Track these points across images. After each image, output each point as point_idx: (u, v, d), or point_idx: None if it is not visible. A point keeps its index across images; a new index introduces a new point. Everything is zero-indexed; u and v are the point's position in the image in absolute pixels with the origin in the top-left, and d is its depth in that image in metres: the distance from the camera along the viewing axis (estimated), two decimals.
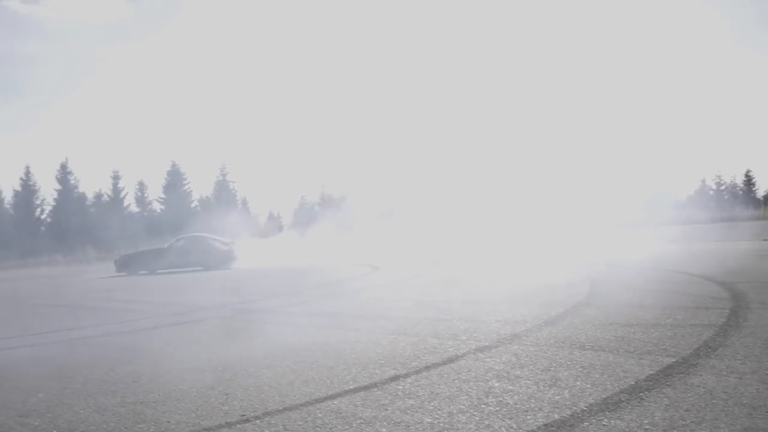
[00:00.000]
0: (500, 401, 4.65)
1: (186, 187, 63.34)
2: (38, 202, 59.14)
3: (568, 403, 4.54)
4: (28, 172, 58.75)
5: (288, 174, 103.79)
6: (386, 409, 4.63)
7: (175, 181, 62.86)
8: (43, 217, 59.14)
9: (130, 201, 62.41)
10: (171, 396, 5.44)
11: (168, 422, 4.74)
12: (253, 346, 7.44)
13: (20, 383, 6.40)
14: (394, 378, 5.48)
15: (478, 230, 31.37)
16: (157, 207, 62.74)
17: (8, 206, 58.06)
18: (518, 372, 5.40)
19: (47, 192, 61.86)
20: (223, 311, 11.13)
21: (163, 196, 62.51)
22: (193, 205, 63.12)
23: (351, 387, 5.31)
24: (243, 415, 4.77)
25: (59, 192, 59.30)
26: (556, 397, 4.68)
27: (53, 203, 59.24)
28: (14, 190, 58.19)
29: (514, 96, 69.08)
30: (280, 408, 4.88)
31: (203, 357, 6.97)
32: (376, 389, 5.18)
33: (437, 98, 72.56)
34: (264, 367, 6.24)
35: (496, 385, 5.06)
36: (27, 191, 58.55)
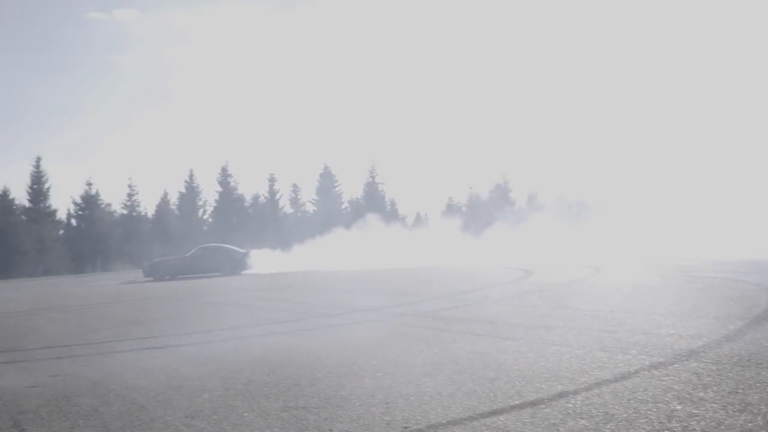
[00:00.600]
0: (685, 427, 4.22)
1: (337, 188, 64.93)
2: (201, 203, 62.64)
3: (763, 431, 4.06)
4: (191, 175, 62.39)
5: (436, 175, 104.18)
6: (558, 430, 4.32)
7: (326, 183, 64.58)
8: (205, 217, 62.55)
9: (284, 203, 64.76)
10: (332, 402, 5.39)
11: (330, 430, 4.68)
12: (411, 351, 7.31)
13: (186, 382, 6.59)
14: (562, 394, 5.15)
15: (645, 229, 29.73)
16: (310, 208, 64.74)
17: (174, 207, 61.87)
18: (701, 394, 4.91)
19: (209, 194, 65.37)
20: (379, 314, 11.13)
21: (315, 197, 64.43)
22: (343, 206, 64.60)
23: (516, 402, 5.03)
24: (406, 427, 4.62)
25: (220, 194, 62.47)
26: (749, 425, 4.19)
27: (215, 204, 62.52)
28: (179, 192, 61.97)
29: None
30: (443, 421, 4.69)
31: (360, 361, 6.92)
32: (543, 406, 4.87)
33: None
34: (423, 375, 6.08)
35: (678, 408, 4.62)
36: (191, 193, 62.15)
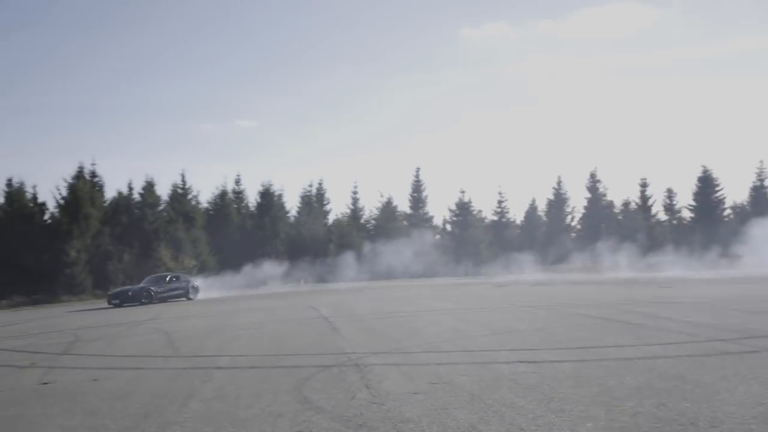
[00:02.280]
0: None
1: (719, 193, 59.60)
2: (568, 210, 62.14)
3: None
4: (559, 182, 62.17)
5: None
6: None
7: (706, 187, 59.63)
8: (573, 224, 61.94)
9: (658, 209, 61.31)
10: None
11: None
12: None
13: (567, 406, 6.13)
14: None
15: None
16: (687, 215, 60.36)
17: (541, 213, 62.24)
18: None
19: (577, 200, 64.43)
20: None
21: (693, 203, 59.90)
22: (725, 212, 59.09)
23: None
24: None
25: (588, 200, 61.31)
26: None
27: (582, 211, 61.54)
28: (547, 199, 62.19)
29: None
30: None
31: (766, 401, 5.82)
32: None
33: None
34: None
35: None
36: (558, 200, 62.01)
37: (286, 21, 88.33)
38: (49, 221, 45.64)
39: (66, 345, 13.65)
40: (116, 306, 28.98)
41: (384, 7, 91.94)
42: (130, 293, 29.91)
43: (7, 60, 76.86)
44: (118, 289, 31.61)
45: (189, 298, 32.16)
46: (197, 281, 35.02)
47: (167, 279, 32.33)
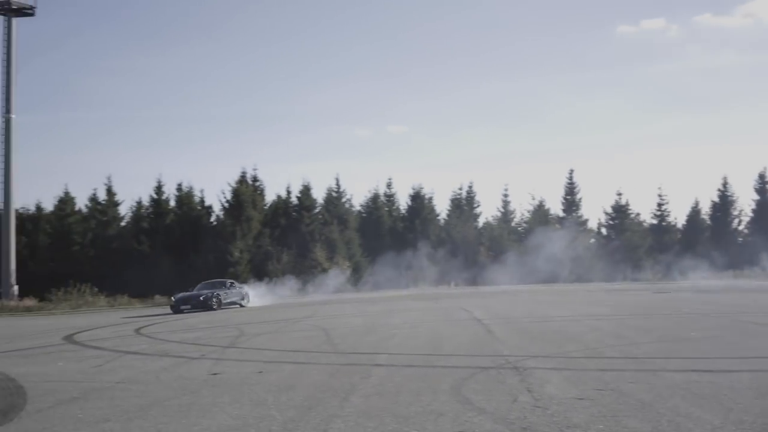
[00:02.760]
0: None
1: None
2: (735, 213, 58.21)
3: None
4: (725, 183, 58.40)
5: None
6: None
7: None
8: (740, 228, 57.98)
9: None
10: None
11: None
12: None
13: (747, 417, 5.68)
14: None
15: None
16: None
17: (705, 217, 58.70)
18: None
19: (745, 203, 60.25)
20: None
21: None
22: None
23: None
24: None
25: (757, 203, 57.24)
26: None
27: (751, 215, 57.51)
28: (712, 202, 58.56)
29: None
30: None
31: None
32: None
33: None
34: None
35: None
36: (724, 203, 58.23)
37: (436, 25, 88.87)
38: (215, 223, 48.42)
39: (232, 339, 14.33)
40: (182, 312, 27.21)
41: (536, 7, 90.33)
42: (201, 298, 28.08)
43: (175, 71, 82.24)
44: (185, 294, 29.13)
45: (242, 305, 30.43)
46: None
47: (227, 285, 30.94)
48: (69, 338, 16.30)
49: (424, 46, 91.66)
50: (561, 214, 59.10)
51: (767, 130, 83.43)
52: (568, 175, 60.13)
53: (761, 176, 57.96)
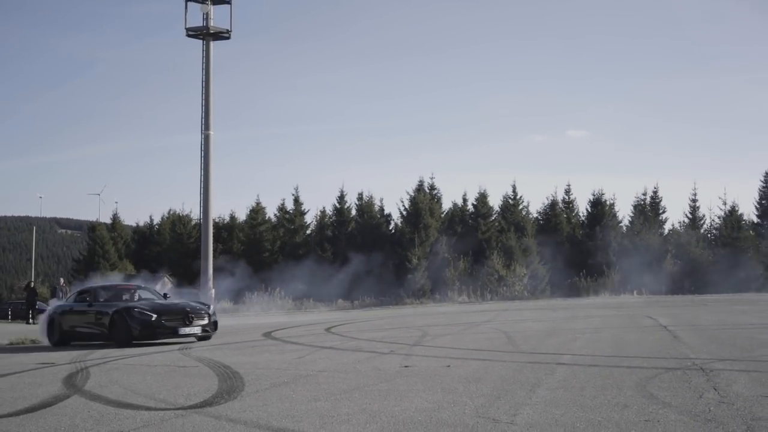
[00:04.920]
0: None
1: None
2: None
3: None
4: None
5: None
6: None
7: None
8: None
9: None
10: None
11: None
12: None
13: None
14: None
15: None
16: None
17: None
18: None
19: None
20: None
21: None
22: None
23: None
24: None
25: None
26: None
27: None
28: None
29: None
30: None
31: None
32: None
33: None
34: None
35: None
36: None
37: (618, 24, 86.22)
38: (393, 231, 50.06)
39: (417, 338, 15.08)
40: None
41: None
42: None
43: (357, 86, 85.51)
44: None
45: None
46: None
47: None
48: (267, 335, 17.77)
49: (604, 47, 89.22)
50: (755, 219, 55.39)
51: None
52: (763, 178, 56.22)
53: None
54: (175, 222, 54.15)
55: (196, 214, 51.20)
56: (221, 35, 42.72)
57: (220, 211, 56.71)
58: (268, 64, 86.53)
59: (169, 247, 52.58)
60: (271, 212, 53.02)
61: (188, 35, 41.89)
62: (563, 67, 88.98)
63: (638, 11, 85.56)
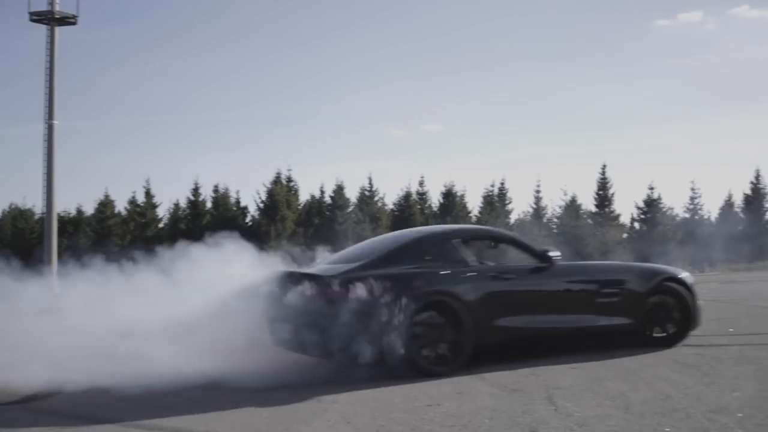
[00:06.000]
0: None
1: None
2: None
3: None
4: (758, 176, 58.39)
5: None
6: None
7: None
8: None
9: None
10: None
11: None
12: None
13: (720, 380, 6.49)
14: None
15: None
16: None
17: (738, 209, 58.63)
18: None
19: None
20: None
21: None
22: None
23: None
24: None
25: None
26: None
27: None
28: (744, 194, 58.53)
29: None
30: None
31: None
32: None
33: None
34: None
35: None
36: (757, 194, 58.20)
37: (471, 24, 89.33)
38: (251, 223, 49.78)
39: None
40: None
41: (572, 3, 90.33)
42: None
43: (208, 73, 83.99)
44: None
45: None
46: None
47: None
48: None
49: (460, 45, 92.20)
50: (593, 209, 59.48)
51: None
52: (600, 171, 60.42)
53: None
54: (17, 217, 51.32)
55: (39, 208, 48.66)
56: (67, 20, 40.65)
57: (65, 204, 54.01)
58: (120, 53, 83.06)
59: (10, 243, 49.72)
60: (121, 206, 51.22)
61: (32, 20, 39.70)
62: (420, 62, 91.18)
63: (487, 11, 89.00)
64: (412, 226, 52.05)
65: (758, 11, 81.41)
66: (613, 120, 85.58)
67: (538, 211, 59.22)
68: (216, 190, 50.66)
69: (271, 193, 49.12)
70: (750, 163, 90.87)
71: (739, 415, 5.23)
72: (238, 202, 50.87)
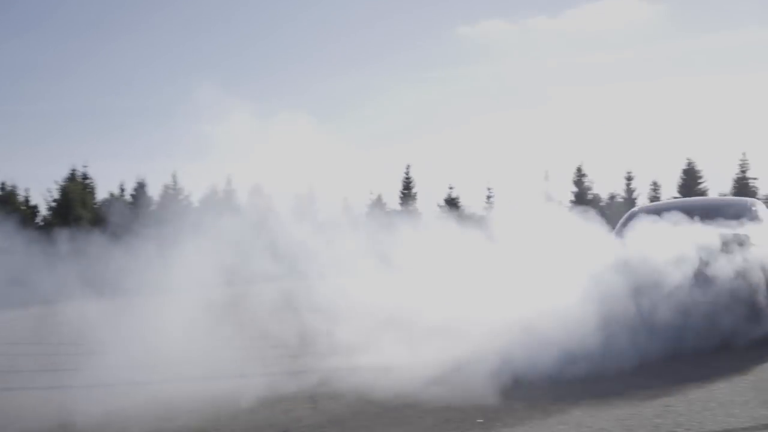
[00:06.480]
0: None
1: (702, 185, 60.55)
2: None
3: None
4: (546, 177, 63.50)
5: None
6: None
7: (689, 179, 60.56)
8: None
9: (643, 201, 62.18)
10: None
11: None
12: None
13: None
14: None
15: None
16: None
17: None
18: None
19: (564, 194, 65.44)
20: None
21: (677, 195, 60.78)
22: None
23: None
24: None
25: (575, 194, 62.24)
26: None
27: (569, 205, 62.49)
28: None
29: None
30: None
31: None
32: None
33: None
34: None
35: None
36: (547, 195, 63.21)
37: (271, 23, 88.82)
38: (43, 224, 46.40)
39: None
40: None
41: (377, 7, 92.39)
42: None
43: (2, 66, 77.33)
44: None
45: None
46: None
47: None
48: None
49: (274, 44, 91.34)
50: (398, 207, 61.54)
51: (585, 128, 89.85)
52: (405, 170, 62.69)
53: (578, 170, 63.02)
54: None
55: None
56: None
57: None
58: None
59: None
60: None
61: None
62: (223, 58, 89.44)
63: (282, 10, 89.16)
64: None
65: (552, 22, 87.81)
66: (421, 122, 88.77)
67: (346, 210, 60.28)
68: (3, 188, 46.76)
69: (64, 191, 46.10)
70: (540, 166, 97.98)
71: None
72: (27, 200, 47.26)
